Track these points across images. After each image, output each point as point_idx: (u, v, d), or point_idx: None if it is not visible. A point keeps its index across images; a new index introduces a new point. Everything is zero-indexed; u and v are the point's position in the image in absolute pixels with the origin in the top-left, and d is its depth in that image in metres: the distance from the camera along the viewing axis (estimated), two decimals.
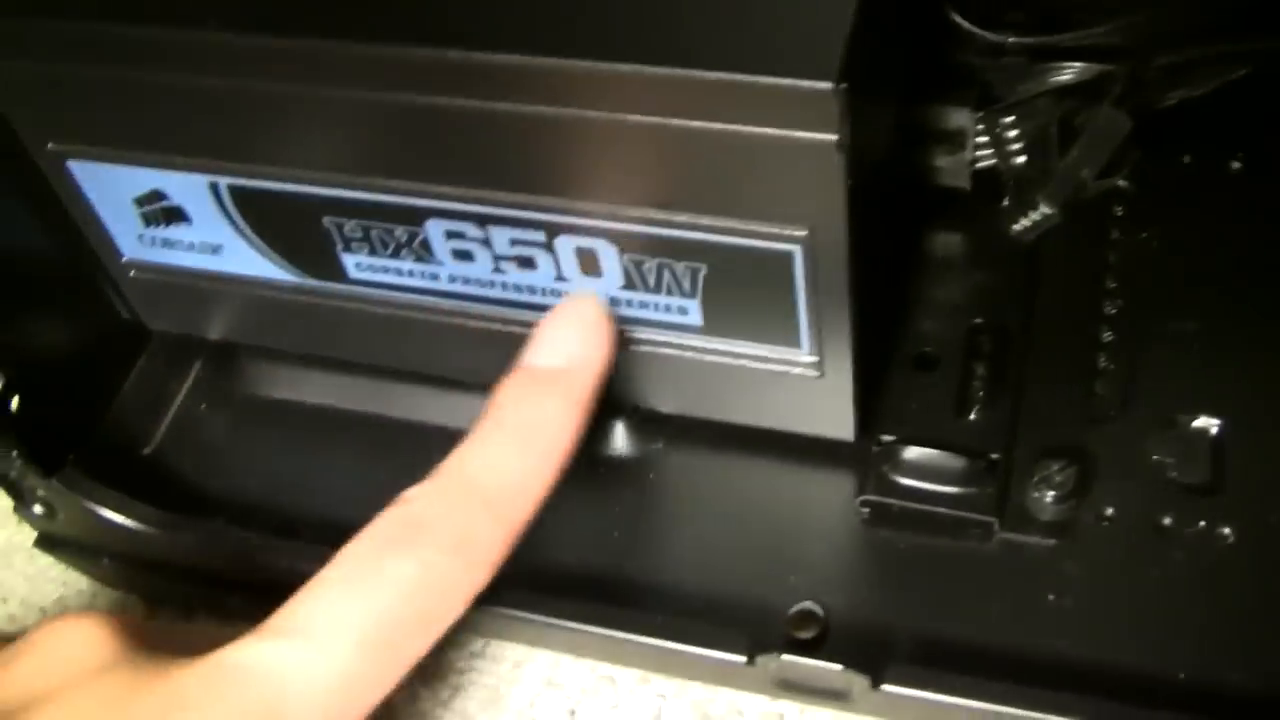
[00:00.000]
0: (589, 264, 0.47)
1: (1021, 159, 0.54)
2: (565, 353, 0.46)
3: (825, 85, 0.38)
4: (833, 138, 0.39)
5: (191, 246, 0.53)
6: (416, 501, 0.43)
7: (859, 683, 0.46)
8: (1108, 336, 0.54)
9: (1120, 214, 0.58)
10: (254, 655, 0.40)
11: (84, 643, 0.41)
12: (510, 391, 0.46)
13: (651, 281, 0.46)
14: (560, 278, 0.48)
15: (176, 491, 0.56)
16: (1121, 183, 0.57)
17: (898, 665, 0.46)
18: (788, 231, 0.43)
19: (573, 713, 0.53)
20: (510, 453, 0.45)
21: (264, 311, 0.55)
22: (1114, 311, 0.55)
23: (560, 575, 0.52)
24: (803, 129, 0.40)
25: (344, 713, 0.41)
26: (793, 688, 0.49)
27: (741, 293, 0.46)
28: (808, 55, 0.39)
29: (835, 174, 0.40)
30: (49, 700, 0.40)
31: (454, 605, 0.43)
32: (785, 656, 0.47)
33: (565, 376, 0.46)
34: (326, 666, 0.40)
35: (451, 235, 0.48)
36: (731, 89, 0.39)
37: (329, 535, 0.45)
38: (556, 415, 0.45)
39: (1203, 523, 0.50)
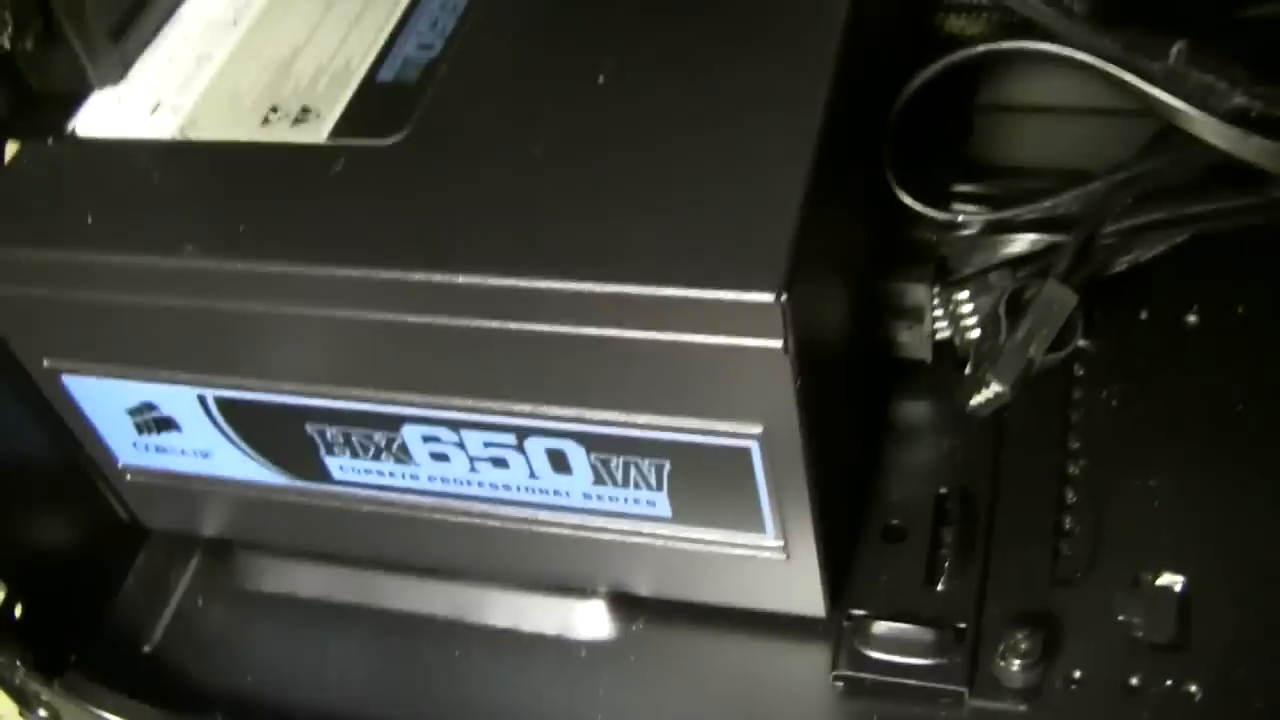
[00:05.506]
0: (559, 463, 0.49)
1: (975, 333, 0.56)
2: None
3: (767, 298, 0.40)
4: (779, 344, 0.41)
5: (183, 452, 0.55)
6: None
7: None
8: (1072, 497, 0.56)
9: (1081, 373, 0.59)
10: None
11: None
12: None
13: (619, 477, 0.48)
14: (533, 475, 0.50)
15: (178, 688, 0.58)
16: (1081, 342, 0.59)
17: None
18: (744, 429, 0.45)
19: None
20: None
21: (255, 511, 0.57)
22: (1077, 471, 0.56)
23: None
24: (750, 336, 0.42)
25: None
26: None
27: (705, 485, 0.48)
28: (750, 266, 0.41)
29: (784, 376, 0.43)
30: None
31: None
32: None
33: None
34: None
35: (428, 439, 0.50)
36: (678, 303, 0.41)
37: None
38: None
39: (1169, 681, 0.50)
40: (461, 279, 0.43)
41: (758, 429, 0.45)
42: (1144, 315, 0.61)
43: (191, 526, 0.60)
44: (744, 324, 0.41)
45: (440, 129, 0.49)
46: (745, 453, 0.46)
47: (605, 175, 0.45)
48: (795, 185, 0.43)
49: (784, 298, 0.40)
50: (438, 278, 0.44)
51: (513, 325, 0.44)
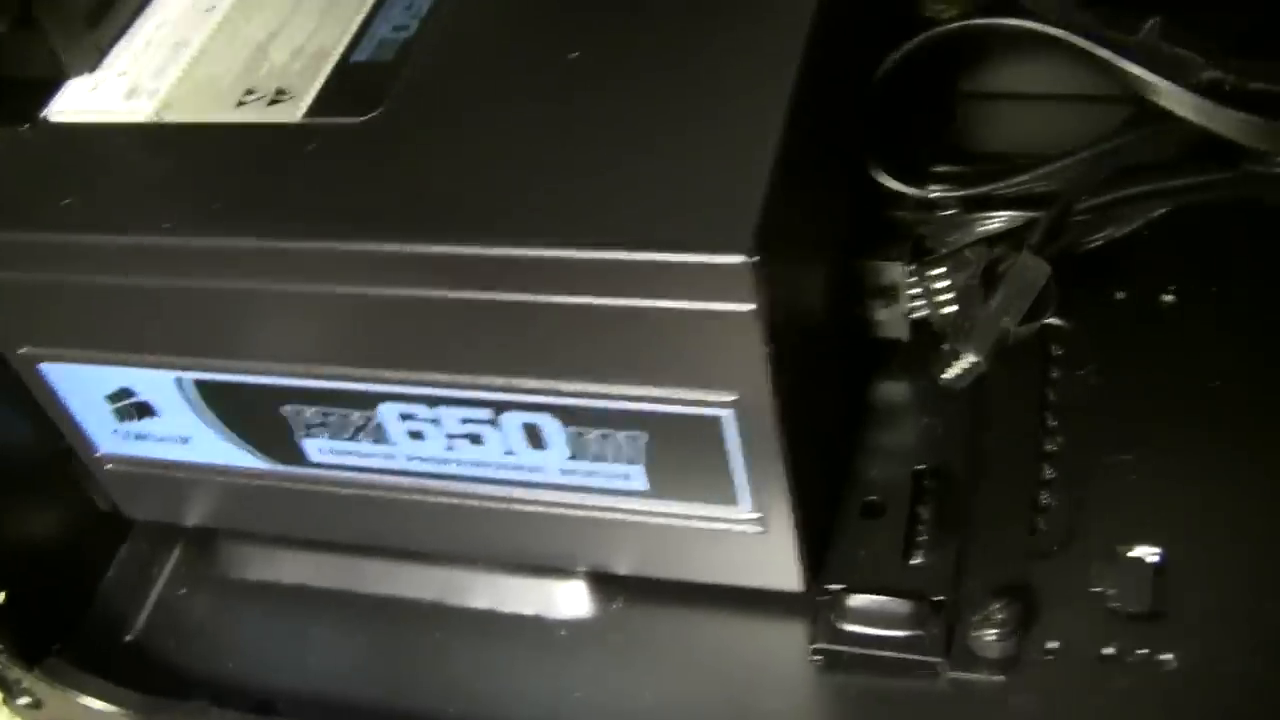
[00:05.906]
0: (535, 438, 0.49)
1: (950, 309, 0.56)
2: None
3: (738, 259, 0.41)
4: (750, 307, 0.42)
5: (162, 439, 0.55)
6: None
7: None
8: (1049, 474, 0.56)
9: (1058, 352, 0.60)
10: None
11: None
12: None
13: (595, 451, 0.48)
14: (509, 452, 0.50)
15: (160, 676, 0.58)
16: (1058, 321, 0.59)
17: None
18: (717, 397, 0.45)
19: None
20: None
21: (235, 497, 0.57)
22: (1054, 448, 0.57)
23: None
24: (721, 300, 0.42)
25: None
26: None
27: (682, 457, 0.48)
28: (721, 228, 0.41)
29: (755, 341, 0.43)
30: None
31: None
32: None
33: None
34: None
35: (404, 417, 0.50)
36: (650, 267, 0.42)
37: (308, 712, 0.47)
38: None
39: (1145, 650, 0.51)
40: (434, 249, 0.44)
41: (730, 396, 0.45)
42: (1120, 295, 0.61)
43: (172, 516, 0.60)
44: (715, 288, 0.41)
45: (414, 106, 0.49)
46: (718, 423, 0.46)
47: (577, 146, 0.46)
48: (766, 153, 0.43)
49: (755, 260, 0.40)
50: (410, 248, 0.44)
51: (485, 295, 0.44)
